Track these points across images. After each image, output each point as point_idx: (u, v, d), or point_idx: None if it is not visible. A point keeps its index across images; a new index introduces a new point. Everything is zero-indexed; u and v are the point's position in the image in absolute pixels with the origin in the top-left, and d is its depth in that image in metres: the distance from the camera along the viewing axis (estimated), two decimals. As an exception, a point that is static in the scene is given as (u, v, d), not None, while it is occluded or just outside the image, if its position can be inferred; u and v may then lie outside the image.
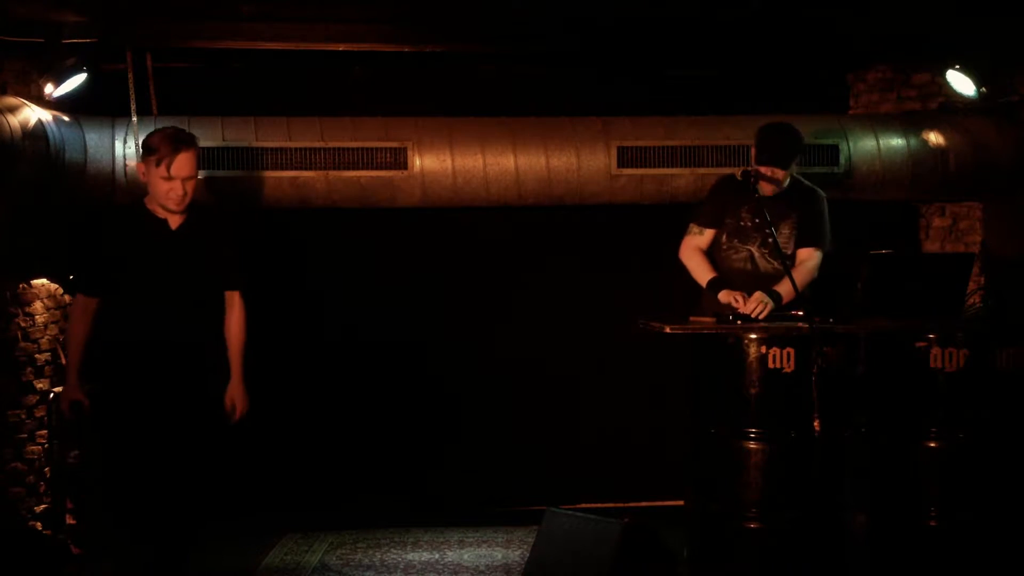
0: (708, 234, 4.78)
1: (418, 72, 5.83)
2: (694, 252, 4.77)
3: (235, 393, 4.15)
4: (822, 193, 4.83)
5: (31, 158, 4.60)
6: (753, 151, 4.72)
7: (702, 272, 4.71)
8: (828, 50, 5.70)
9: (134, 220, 4.06)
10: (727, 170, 5.04)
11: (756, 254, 4.75)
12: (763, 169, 4.60)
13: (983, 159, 5.54)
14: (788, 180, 4.70)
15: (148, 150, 3.99)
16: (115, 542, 4.45)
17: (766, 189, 4.63)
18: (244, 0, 4.75)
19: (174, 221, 4.05)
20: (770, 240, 4.59)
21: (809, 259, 4.69)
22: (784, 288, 4.49)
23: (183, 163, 3.95)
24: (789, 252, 4.68)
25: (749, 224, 4.72)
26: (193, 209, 4.07)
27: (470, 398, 5.90)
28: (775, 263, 4.65)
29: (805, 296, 4.54)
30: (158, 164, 3.94)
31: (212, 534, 5.35)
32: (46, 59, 4.89)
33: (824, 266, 4.77)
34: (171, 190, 3.95)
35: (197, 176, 4.04)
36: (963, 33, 5.18)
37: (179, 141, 3.98)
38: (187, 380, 4.03)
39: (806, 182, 4.85)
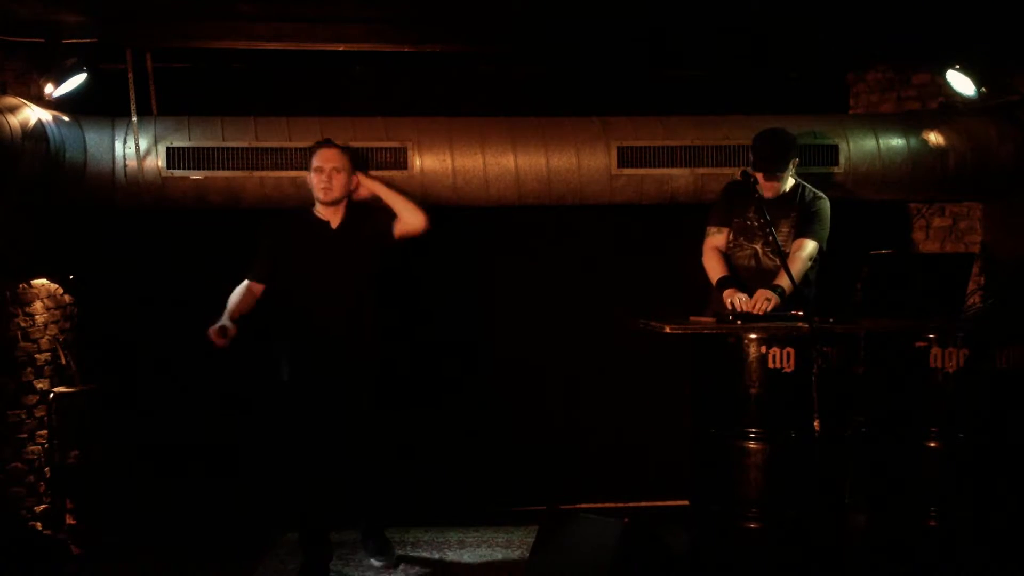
0: (724, 232, 4.94)
1: (418, 72, 5.83)
2: (712, 252, 4.93)
3: None
4: (825, 197, 4.93)
5: (31, 158, 4.60)
6: (751, 157, 4.82)
7: (715, 272, 4.86)
8: (828, 50, 5.70)
9: (302, 221, 4.74)
10: (727, 170, 5.10)
11: (759, 251, 4.87)
12: (758, 175, 4.73)
13: (983, 159, 5.54)
14: (789, 183, 4.81)
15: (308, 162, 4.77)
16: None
17: (767, 191, 4.76)
18: (244, 0, 4.75)
19: (334, 221, 4.71)
20: (771, 238, 4.68)
21: (801, 249, 4.77)
22: (784, 281, 4.59)
23: (326, 155, 4.70)
24: (787, 250, 4.77)
25: (754, 224, 4.87)
26: (352, 211, 4.73)
27: (469, 398, 5.90)
28: (776, 260, 4.77)
29: (806, 295, 4.64)
30: (310, 163, 4.73)
31: (212, 533, 5.39)
32: (46, 59, 4.90)
33: (823, 264, 4.82)
34: (318, 180, 4.66)
35: (344, 172, 4.69)
36: (963, 33, 5.18)
37: (319, 143, 4.78)
38: (347, 366, 4.66)
39: (811, 187, 4.95)
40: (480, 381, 5.91)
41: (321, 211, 4.75)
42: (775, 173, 4.73)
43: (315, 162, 4.70)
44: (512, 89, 5.87)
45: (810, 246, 4.79)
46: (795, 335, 4.20)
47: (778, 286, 4.61)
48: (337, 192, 4.69)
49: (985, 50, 5.31)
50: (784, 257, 4.58)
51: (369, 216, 4.79)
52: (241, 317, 4.54)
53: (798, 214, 4.83)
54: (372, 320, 4.74)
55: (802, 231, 4.81)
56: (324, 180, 4.66)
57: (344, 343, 4.66)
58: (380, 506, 4.98)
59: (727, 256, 4.91)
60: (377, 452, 4.87)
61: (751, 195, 4.77)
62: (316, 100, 5.64)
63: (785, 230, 4.83)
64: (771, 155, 4.73)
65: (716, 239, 4.94)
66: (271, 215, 5.41)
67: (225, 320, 4.45)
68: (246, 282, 4.68)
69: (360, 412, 4.75)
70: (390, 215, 4.77)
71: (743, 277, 4.81)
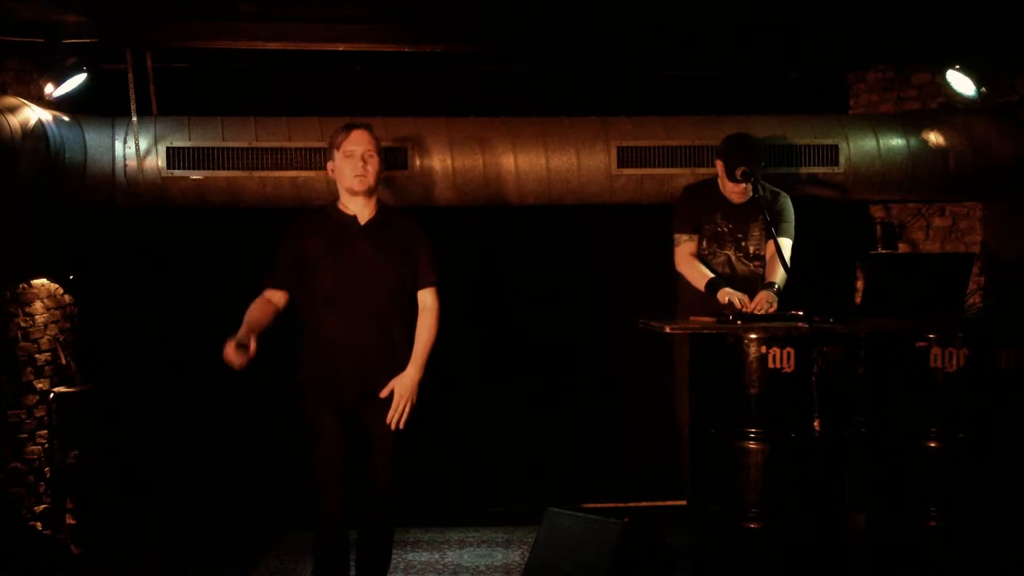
0: (696, 239, 4.92)
1: (418, 72, 5.83)
2: (689, 259, 4.90)
3: (404, 382, 4.05)
4: (785, 193, 4.97)
5: (31, 158, 4.60)
6: (720, 164, 4.81)
7: (699, 275, 4.82)
8: (828, 50, 5.69)
9: (324, 219, 4.12)
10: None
11: (732, 258, 4.90)
12: (731, 183, 4.76)
13: (983, 159, 5.54)
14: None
15: (330, 148, 4.14)
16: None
17: (738, 196, 4.80)
18: (244, 0, 4.75)
19: (363, 216, 4.09)
20: (743, 243, 4.81)
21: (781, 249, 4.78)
22: (777, 278, 4.66)
23: (359, 137, 4.08)
24: (762, 252, 4.86)
25: (724, 229, 4.89)
26: (381, 209, 4.16)
27: (469, 398, 5.90)
28: (751, 265, 4.87)
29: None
30: (339, 147, 4.08)
31: (213, 530, 5.39)
32: (46, 59, 4.90)
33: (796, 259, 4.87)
34: (351, 166, 4.03)
35: (377, 157, 4.09)
36: (963, 33, 5.18)
37: (349, 125, 4.14)
38: (377, 377, 4.02)
39: (769, 185, 4.98)
40: (479, 380, 5.91)
41: (348, 204, 4.12)
42: (750, 177, 4.71)
43: (346, 146, 4.08)
44: (512, 89, 5.86)
45: (788, 245, 4.82)
46: (795, 335, 4.20)
47: (772, 283, 4.64)
48: (372, 179, 4.07)
49: (985, 50, 5.31)
50: (763, 261, 4.68)
51: (402, 217, 4.25)
52: (263, 331, 3.94)
53: (765, 215, 4.80)
54: (404, 327, 4.10)
55: (776, 232, 4.79)
56: (359, 166, 4.04)
57: (371, 354, 4.03)
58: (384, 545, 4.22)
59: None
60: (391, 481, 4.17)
61: (716, 200, 4.83)
62: (316, 100, 5.64)
63: (757, 233, 4.86)
64: (748, 159, 4.74)
65: (690, 246, 4.90)
66: (271, 215, 5.43)
67: (243, 335, 3.81)
68: (265, 292, 4.09)
69: (385, 439, 4.10)
70: (421, 228, 4.22)
71: None
